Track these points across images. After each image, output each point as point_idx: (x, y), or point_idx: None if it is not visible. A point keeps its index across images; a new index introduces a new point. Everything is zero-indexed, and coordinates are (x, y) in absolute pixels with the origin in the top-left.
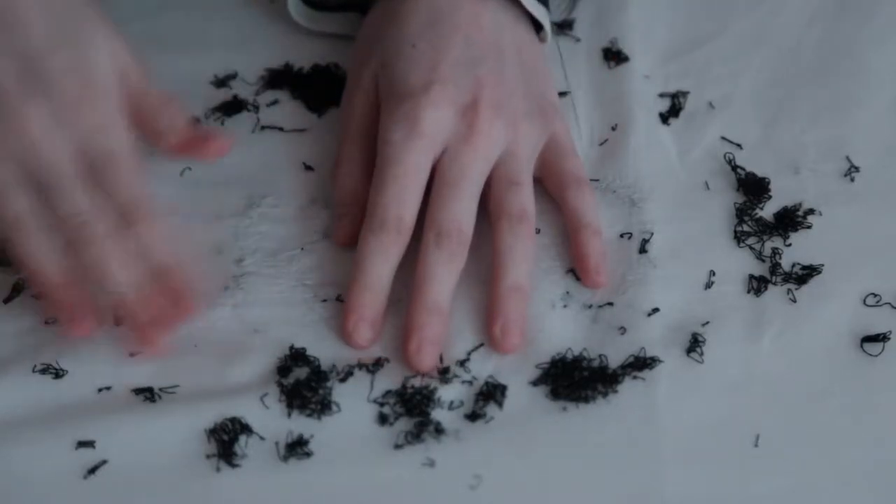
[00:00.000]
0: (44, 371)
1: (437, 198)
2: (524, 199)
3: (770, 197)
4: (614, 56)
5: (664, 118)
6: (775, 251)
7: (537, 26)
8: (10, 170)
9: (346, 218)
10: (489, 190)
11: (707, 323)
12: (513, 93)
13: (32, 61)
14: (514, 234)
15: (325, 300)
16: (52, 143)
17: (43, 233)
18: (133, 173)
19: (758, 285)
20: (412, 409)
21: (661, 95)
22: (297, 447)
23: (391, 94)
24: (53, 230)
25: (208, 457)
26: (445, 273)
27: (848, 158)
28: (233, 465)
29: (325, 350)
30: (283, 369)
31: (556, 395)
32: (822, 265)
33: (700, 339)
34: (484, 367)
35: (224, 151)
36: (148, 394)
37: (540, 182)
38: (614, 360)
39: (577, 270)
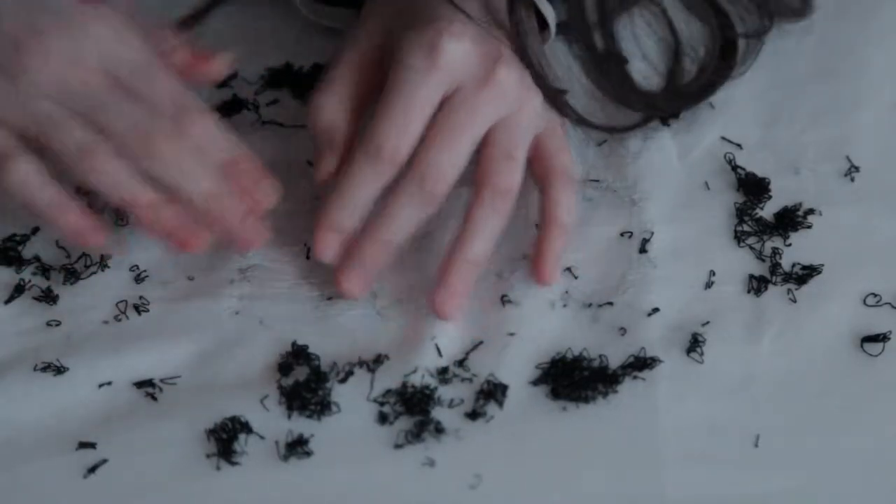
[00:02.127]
0: (45, 369)
1: (435, 138)
2: (515, 174)
3: (770, 197)
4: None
5: (664, 118)
6: (775, 251)
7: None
8: (51, 106)
9: (327, 151)
10: (480, 152)
11: (707, 323)
12: (527, 69)
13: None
14: (494, 207)
15: (330, 298)
16: (75, 69)
17: (113, 158)
18: (166, 75)
19: (758, 285)
20: (412, 408)
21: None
22: (297, 446)
23: (410, 26)
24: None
25: (208, 456)
26: (413, 215)
27: (848, 158)
28: (232, 463)
29: (327, 348)
30: (284, 366)
31: (556, 394)
32: (822, 265)
33: (700, 339)
34: (484, 366)
35: (225, 69)
36: (149, 387)
37: (527, 164)
38: (614, 360)
39: (531, 258)
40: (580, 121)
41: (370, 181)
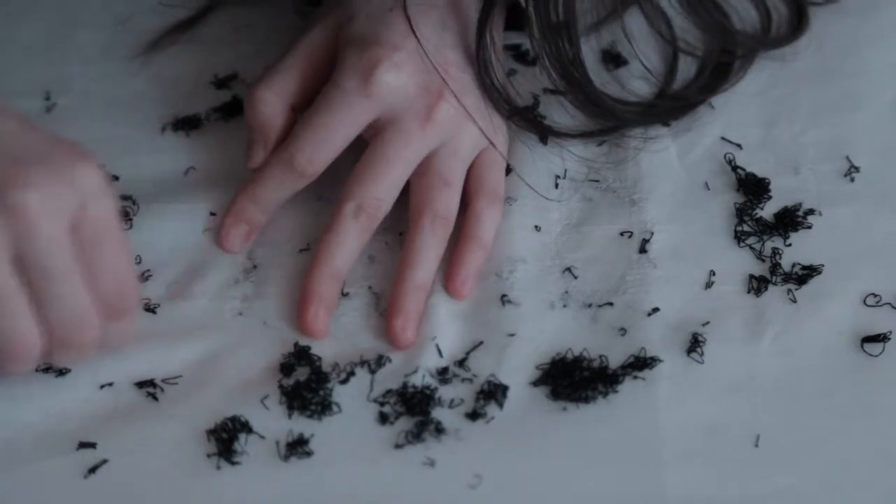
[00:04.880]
0: (47, 370)
1: (368, 169)
2: (453, 201)
3: (770, 197)
4: (613, 59)
5: (664, 121)
6: (775, 251)
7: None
8: (5, 277)
9: (259, 144)
10: (417, 179)
11: (707, 323)
12: (471, 88)
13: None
14: (434, 233)
15: None
16: (48, 219)
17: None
18: (122, 247)
19: (758, 285)
20: (413, 409)
21: (660, 98)
22: (297, 446)
23: (353, 42)
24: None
25: (209, 456)
26: (354, 245)
27: (848, 158)
28: (232, 463)
29: (329, 349)
30: (286, 367)
31: (556, 395)
32: (822, 265)
33: (700, 339)
34: (484, 366)
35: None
36: (150, 387)
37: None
38: (614, 361)
39: (446, 273)
40: (556, 133)
41: (278, 186)
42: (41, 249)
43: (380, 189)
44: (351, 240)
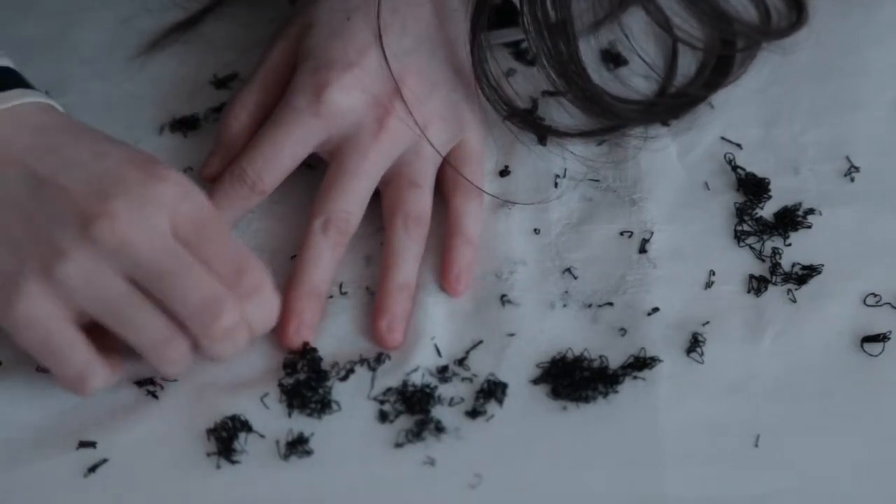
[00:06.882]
0: (47, 370)
1: (331, 185)
2: (423, 201)
3: (770, 197)
4: (613, 58)
5: (663, 121)
6: (775, 251)
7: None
8: (121, 289)
9: (219, 155)
10: (386, 186)
11: (707, 323)
12: (433, 91)
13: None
14: (409, 234)
15: (330, 297)
16: (142, 234)
17: (186, 345)
18: (227, 234)
19: (758, 285)
20: (413, 407)
21: (661, 96)
22: (297, 445)
23: (309, 56)
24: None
25: (209, 455)
26: (328, 259)
27: (848, 158)
28: (232, 462)
29: (328, 347)
30: (288, 363)
31: (556, 394)
32: (822, 265)
33: (700, 339)
34: (484, 366)
35: None
36: (150, 385)
37: (437, 182)
38: (614, 361)
39: (440, 273)
40: (556, 133)
41: (231, 200)
42: (146, 262)
43: (345, 202)
44: (324, 255)
